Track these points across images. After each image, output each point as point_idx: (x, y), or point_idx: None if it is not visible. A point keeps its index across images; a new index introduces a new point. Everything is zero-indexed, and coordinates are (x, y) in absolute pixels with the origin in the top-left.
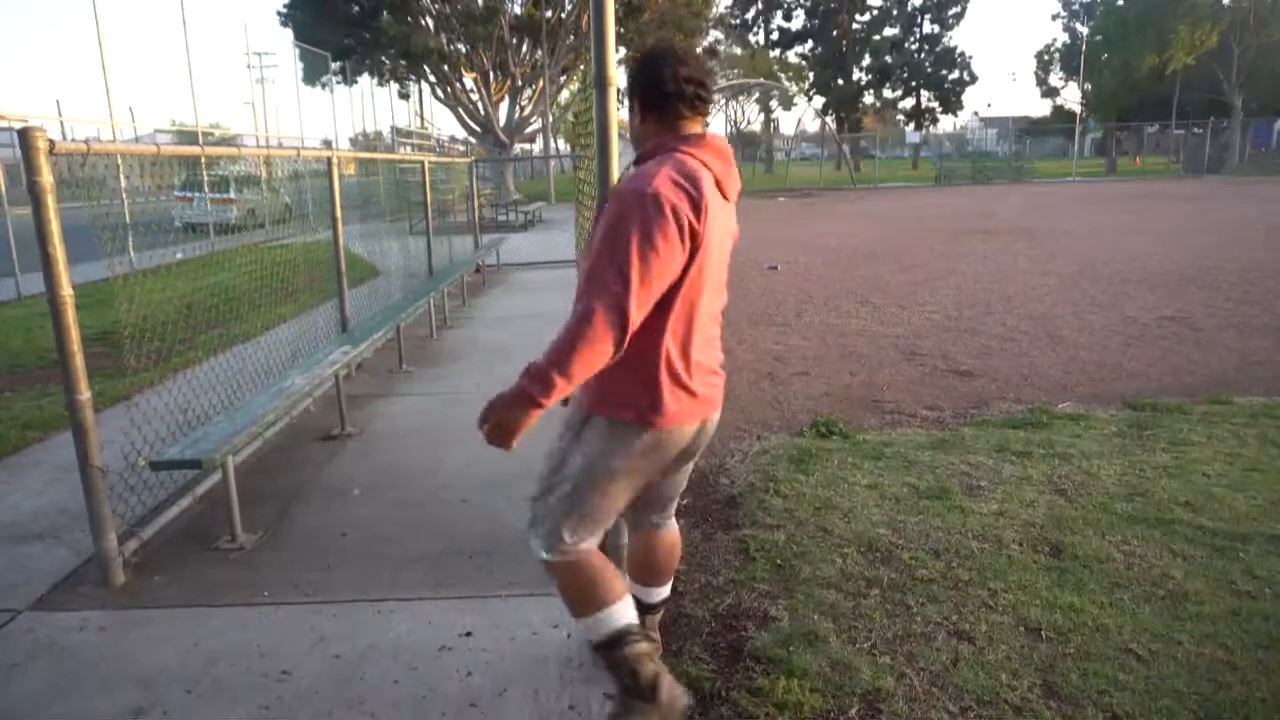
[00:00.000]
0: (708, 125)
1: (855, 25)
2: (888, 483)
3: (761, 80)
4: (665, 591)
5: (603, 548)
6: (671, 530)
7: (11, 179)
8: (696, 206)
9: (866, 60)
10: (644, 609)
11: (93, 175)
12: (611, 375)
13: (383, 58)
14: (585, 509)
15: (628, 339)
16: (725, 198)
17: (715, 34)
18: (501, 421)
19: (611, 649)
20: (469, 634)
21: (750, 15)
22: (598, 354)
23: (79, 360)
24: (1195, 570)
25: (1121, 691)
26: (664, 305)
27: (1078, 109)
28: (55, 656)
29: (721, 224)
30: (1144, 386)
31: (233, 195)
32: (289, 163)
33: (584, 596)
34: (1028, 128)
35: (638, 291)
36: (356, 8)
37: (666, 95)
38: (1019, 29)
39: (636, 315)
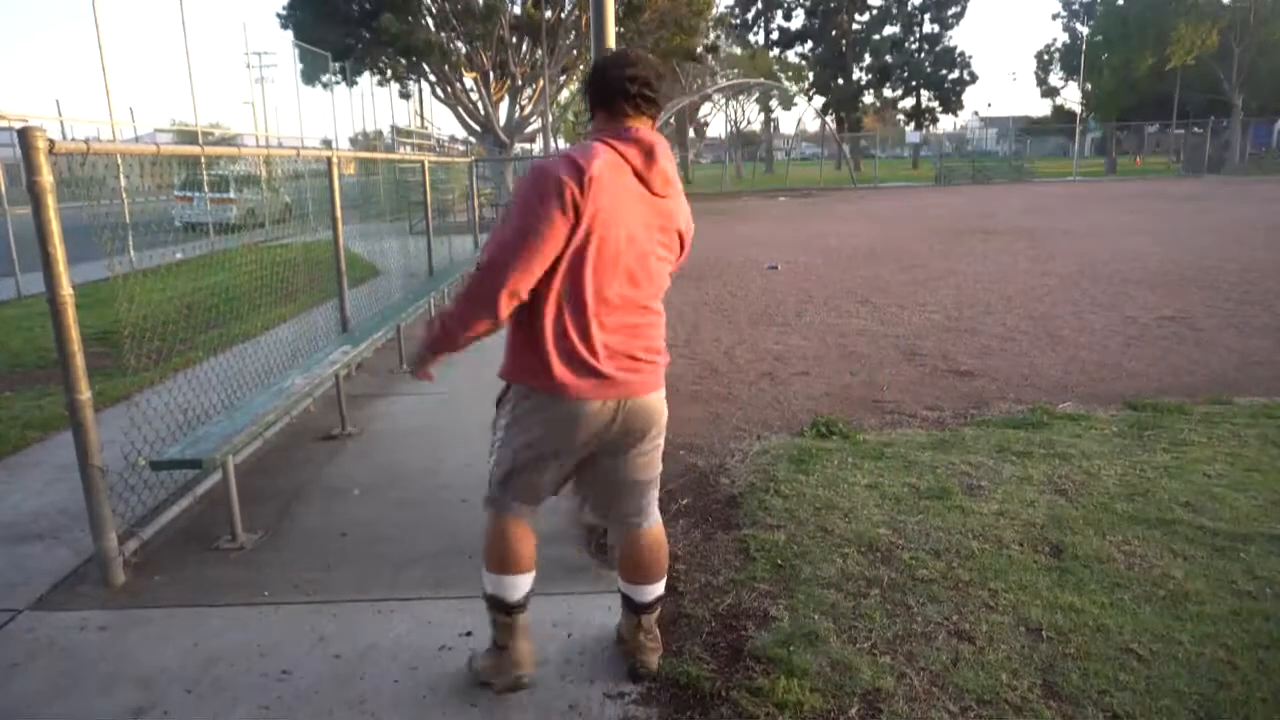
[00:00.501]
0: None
1: (855, 25)
2: (888, 483)
3: (761, 80)
4: (656, 589)
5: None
6: (652, 529)
7: (11, 179)
8: (582, 183)
9: (866, 60)
10: (637, 608)
11: (93, 175)
12: (514, 344)
13: (383, 57)
14: (509, 470)
15: (504, 298)
16: (653, 191)
17: (715, 33)
18: (416, 358)
19: (491, 607)
20: (469, 634)
21: (750, 15)
22: (477, 308)
23: (79, 360)
24: (1196, 570)
25: (1122, 691)
26: (548, 279)
27: (1078, 109)
28: (55, 656)
29: (640, 214)
30: (1144, 386)
31: (233, 195)
32: (289, 162)
33: (494, 556)
34: (1028, 127)
35: (516, 256)
36: (356, 7)
37: (612, 93)
38: (1019, 29)
39: (515, 277)
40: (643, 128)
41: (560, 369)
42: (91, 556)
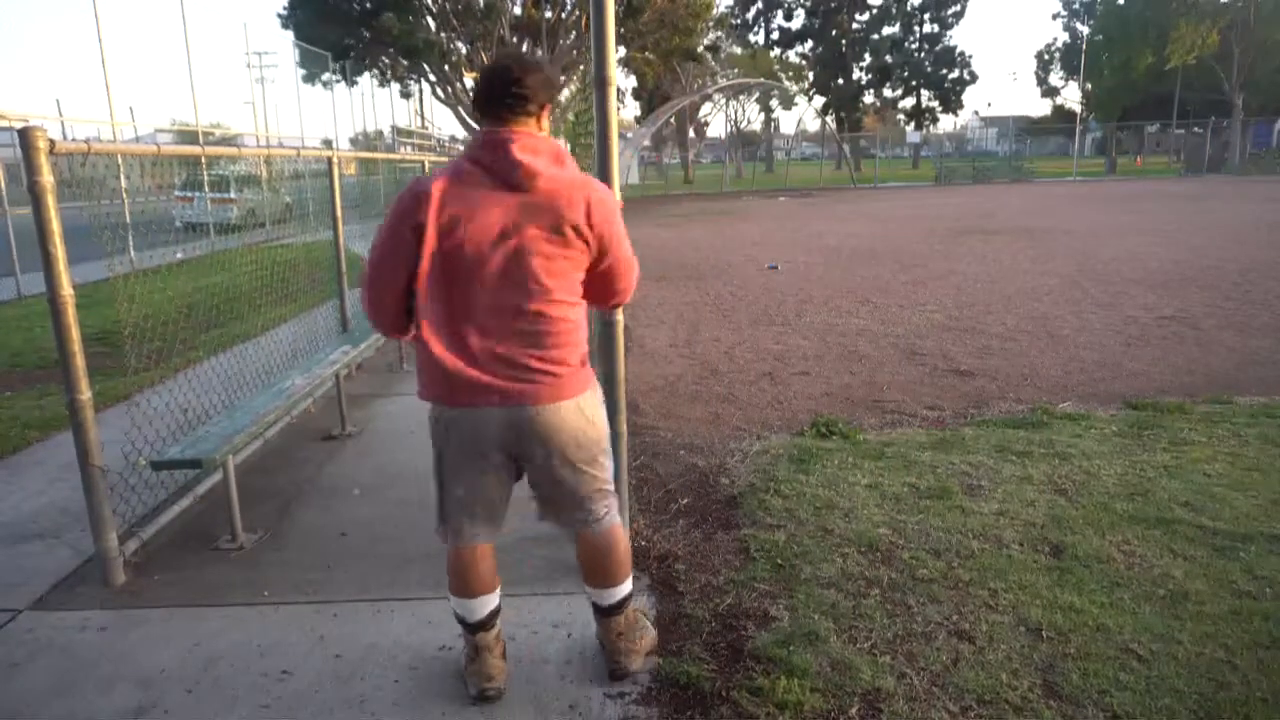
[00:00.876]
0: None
1: (855, 25)
2: (888, 482)
3: (762, 80)
4: (615, 593)
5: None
6: (595, 533)
7: (12, 179)
8: (418, 201)
9: (866, 60)
10: (602, 610)
11: (93, 175)
12: (416, 360)
13: (383, 57)
14: (438, 484)
15: (375, 313)
16: (516, 188)
17: (715, 34)
18: None
19: (458, 622)
20: None
21: (750, 15)
22: (367, 312)
23: (79, 360)
24: (1196, 570)
25: (1122, 691)
26: (418, 292)
27: (1078, 108)
28: (55, 656)
29: (507, 216)
30: (1144, 386)
31: (233, 195)
32: (289, 162)
33: (449, 577)
34: (1028, 127)
35: (372, 278)
36: (357, 7)
37: (478, 101)
38: (1019, 29)
39: (377, 295)
40: (507, 129)
41: (441, 378)
42: (91, 556)
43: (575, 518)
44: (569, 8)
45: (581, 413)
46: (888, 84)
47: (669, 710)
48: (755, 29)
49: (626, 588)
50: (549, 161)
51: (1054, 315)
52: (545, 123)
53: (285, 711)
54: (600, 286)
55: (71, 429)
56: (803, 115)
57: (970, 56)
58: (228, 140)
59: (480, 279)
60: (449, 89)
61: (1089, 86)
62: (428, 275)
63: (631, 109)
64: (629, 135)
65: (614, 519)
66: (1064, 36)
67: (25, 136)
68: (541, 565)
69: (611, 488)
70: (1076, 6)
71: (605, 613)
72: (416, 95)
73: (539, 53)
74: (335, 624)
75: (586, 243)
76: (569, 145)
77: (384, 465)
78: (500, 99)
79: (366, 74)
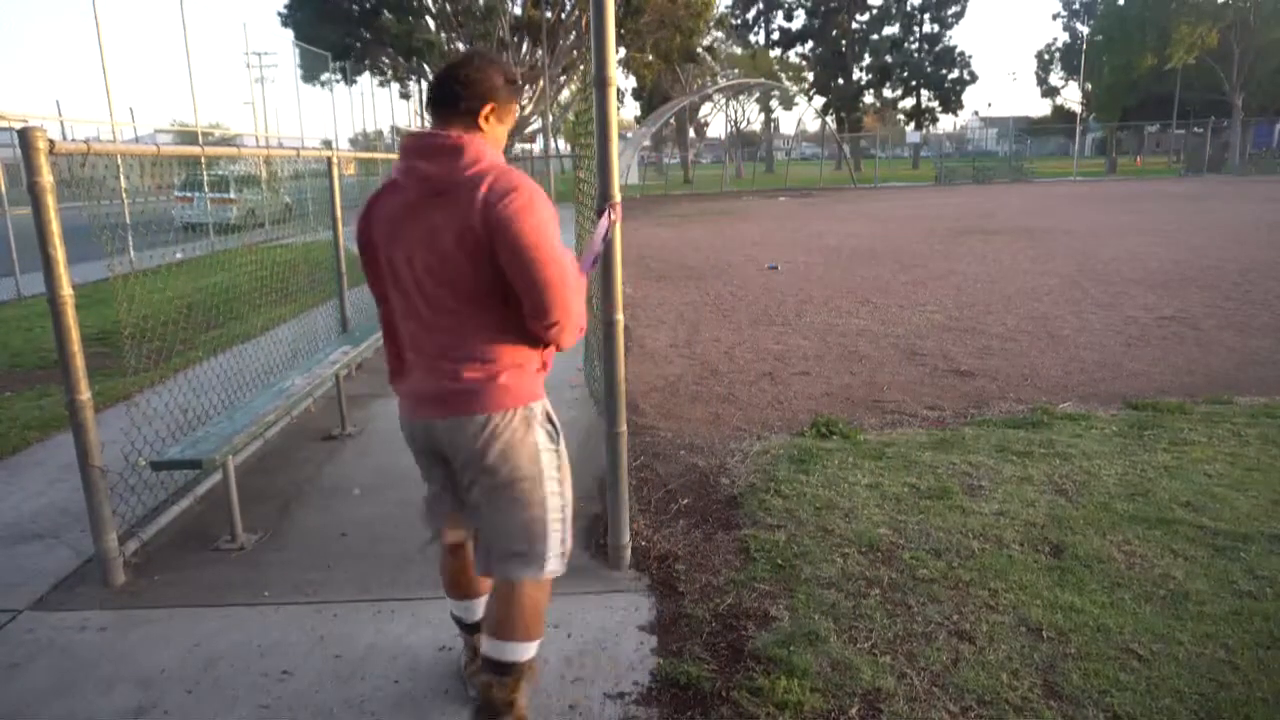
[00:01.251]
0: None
1: (855, 25)
2: (888, 482)
3: (762, 80)
4: (493, 645)
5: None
6: (502, 579)
7: (11, 179)
8: (362, 212)
9: (866, 60)
10: (483, 658)
11: (93, 175)
12: None
13: (383, 56)
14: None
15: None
16: (415, 191)
17: (715, 34)
18: None
19: (456, 625)
20: None
21: (750, 15)
22: None
23: (79, 360)
24: (1196, 570)
25: (1122, 691)
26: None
27: (1078, 109)
28: (55, 656)
29: (420, 225)
30: (1144, 386)
31: (233, 195)
32: (289, 163)
33: (442, 581)
34: (1028, 127)
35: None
36: (357, 7)
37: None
38: (1019, 29)
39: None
40: (430, 131)
41: (394, 384)
42: (91, 557)
43: (484, 549)
44: (569, 8)
45: (488, 433)
46: (888, 84)
47: (669, 710)
48: (755, 29)
49: (514, 653)
50: (436, 160)
51: (1054, 315)
52: (491, 124)
53: (285, 711)
54: (525, 297)
55: (71, 429)
56: (803, 115)
57: (970, 56)
58: (227, 140)
59: (391, 284)
60: None
61: (1089, 87)
62: (377, 285)
63: (631, 109)
64: (629, 135)
65: (517, 576)
66: (1064, 37)
67: (25, 137)
68: None
69: (532, 547)
70: (1076, 6)
71: (483, 666)
72: (416, 95)
73: (539, 53)
74: (335, 624)
75: (478, 243)
76: (569, 146)
77: (384, 465)
78: (434, 97)
79: (366, 74)
